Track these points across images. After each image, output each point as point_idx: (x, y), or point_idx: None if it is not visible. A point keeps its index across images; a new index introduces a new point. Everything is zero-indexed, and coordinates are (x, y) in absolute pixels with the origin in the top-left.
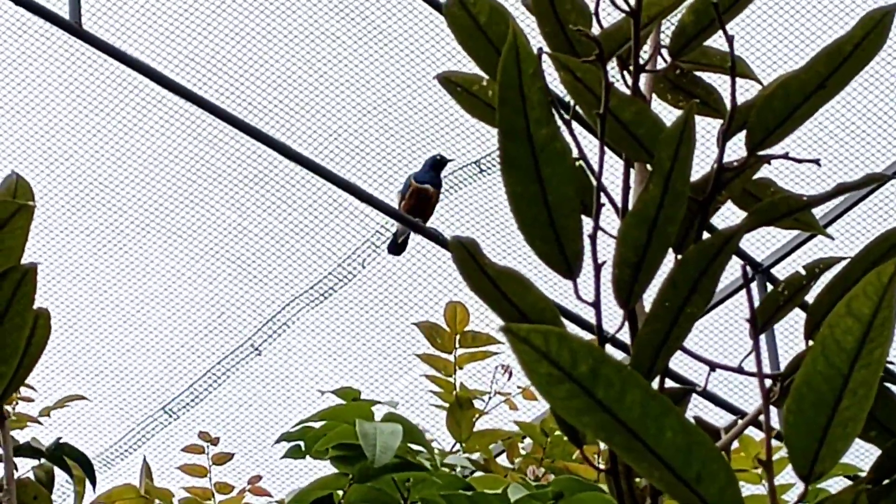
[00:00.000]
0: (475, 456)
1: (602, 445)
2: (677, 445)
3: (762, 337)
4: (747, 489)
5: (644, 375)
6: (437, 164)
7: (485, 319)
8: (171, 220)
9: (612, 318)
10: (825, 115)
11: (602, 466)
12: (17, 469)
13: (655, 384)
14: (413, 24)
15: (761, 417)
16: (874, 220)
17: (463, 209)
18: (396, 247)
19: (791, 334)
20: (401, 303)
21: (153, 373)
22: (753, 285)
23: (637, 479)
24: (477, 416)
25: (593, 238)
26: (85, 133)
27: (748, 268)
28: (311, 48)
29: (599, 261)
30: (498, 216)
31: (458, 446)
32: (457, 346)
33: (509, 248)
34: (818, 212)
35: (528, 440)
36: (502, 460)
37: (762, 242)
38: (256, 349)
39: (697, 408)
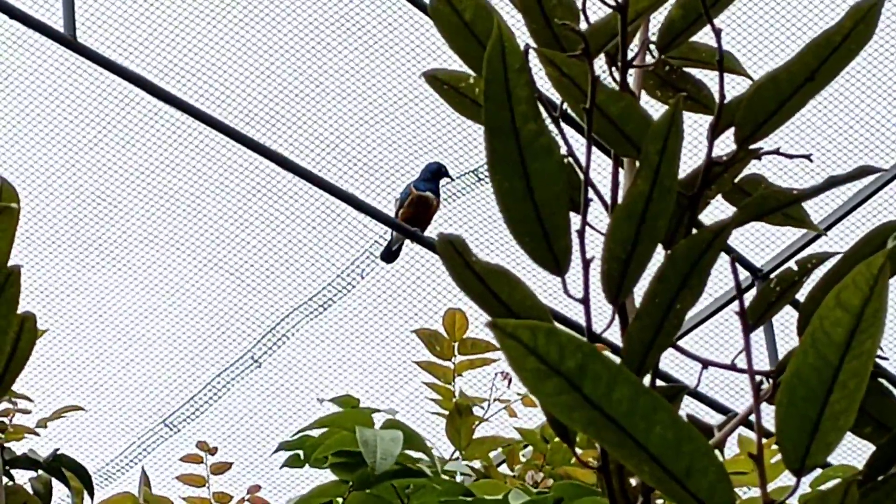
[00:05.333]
0: (476, 464)
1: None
2: (667, 441)
3: (762, 337)
4: (751, 493)
5: (634, 372)
6: (436, 173)
7: (484, 326)
8: (169, 232)
9: (603, 317)
10: (821, 118)
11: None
12: (13, 480)
13: (647, 382)
14: (410, 35)
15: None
16: (876, 222)
17: (461, 218)
18: (390, 254)
19: (791, 333)
20: (401, 313)
21: (153, 386)
22: (753, 290)
23: (629, 478)
24: (476, 423)
25: (581, 234)
26: (81, 146)
27: (748, 273)
28: (308, 59)
29: (588, 257)
30: (497, 225)
31: (457, 454)
32: (456, 353)
33: (508, 257)
34: (820, 215)
35: (529, 448)
36: (503, 468)
37: (761, 248)
38: (256, 361)
39: (695, 412)
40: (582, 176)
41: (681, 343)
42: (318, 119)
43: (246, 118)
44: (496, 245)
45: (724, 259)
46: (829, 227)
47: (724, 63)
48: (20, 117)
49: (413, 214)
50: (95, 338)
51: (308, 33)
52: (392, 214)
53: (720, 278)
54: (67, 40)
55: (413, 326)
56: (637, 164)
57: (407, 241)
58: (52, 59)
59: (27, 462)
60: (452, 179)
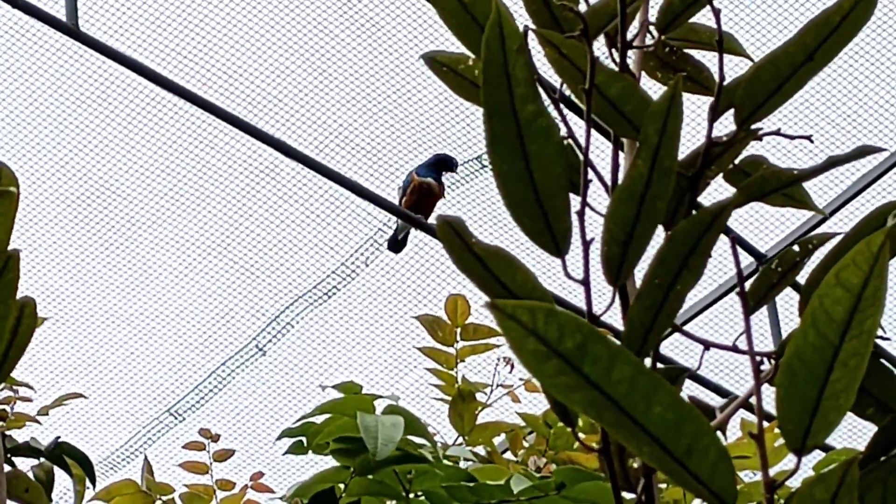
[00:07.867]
0: (479, 449)
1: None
2: (667, 421)
3: (766, 320)
4: (756, 477)
5: (636, 353)
6: (441, 163)
7: (486, 311)
8: (172, 221)
9: (604, 299)
10: (823, 102)
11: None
12: (14, 467)
13: (648, 364)
14: (415, 20)
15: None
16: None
17: (465, 205)
18: (396, 244)
19: (795, 317)
20: (405, 300)
21: (158, 375)
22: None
23: (630, 460)
24: (479, 408)
25: (581, 215)
26: (83, 135)
27: (753, 259)
28: (311, 46)
29: (588, 238)
30: (501, 212)
31: (461, 440)
32: (458, 339)
33: (513, 245)
34: (823, 200)
35: (532, 434)
36: (508, 455)
37: (766, 233)
38: (261, 349)
39: (698, 396)
40: (581, 157)
41: (685, 329)
42: (320, 106)
43: (249, 106)
44: (501, 233)
45: (727, 244)
46: (833, 212)
47: (723, 44)
48: (23, 106)
49: (416, 202)
50: (99, 327)
51: (311, 20)
52: (396, 202)
53: (724, 264)
54: (70, 29)
55: (417, 314)
56: (637, 144)
57: (413, 230)
58: (54, 47)
59: (29, 450)
60: (454, 169)
